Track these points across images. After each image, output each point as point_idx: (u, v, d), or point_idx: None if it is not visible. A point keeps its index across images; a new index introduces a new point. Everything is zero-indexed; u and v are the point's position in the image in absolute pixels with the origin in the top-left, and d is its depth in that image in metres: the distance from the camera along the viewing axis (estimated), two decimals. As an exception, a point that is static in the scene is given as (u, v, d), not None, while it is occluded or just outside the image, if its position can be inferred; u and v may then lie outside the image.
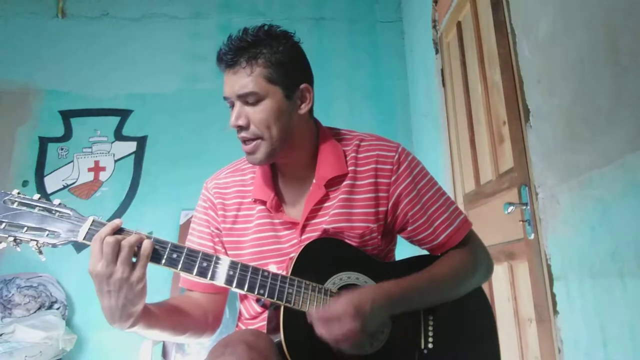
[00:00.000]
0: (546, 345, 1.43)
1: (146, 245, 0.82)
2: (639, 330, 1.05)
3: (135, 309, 0.83)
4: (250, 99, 0.94)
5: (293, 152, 1.01)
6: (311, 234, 0.99)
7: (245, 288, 0.87)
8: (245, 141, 0.97)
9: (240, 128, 0.96)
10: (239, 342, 0.81)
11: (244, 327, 1.05)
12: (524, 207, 1.55)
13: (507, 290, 1.76)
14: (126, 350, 2.64)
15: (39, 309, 2.64)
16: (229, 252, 1.06)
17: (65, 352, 2.56)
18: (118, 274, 0.79)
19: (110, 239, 0.80)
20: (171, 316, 0.95)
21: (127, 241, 0.81)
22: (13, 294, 2.64)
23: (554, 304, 1.39)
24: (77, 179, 3.06)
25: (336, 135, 1.09)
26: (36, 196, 0.86)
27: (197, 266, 0.86)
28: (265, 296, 0.88)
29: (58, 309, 2.68)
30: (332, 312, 0.83)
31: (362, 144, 1.06)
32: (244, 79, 0.94)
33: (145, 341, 2.34)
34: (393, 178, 1.02)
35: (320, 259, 0.94)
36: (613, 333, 1.14)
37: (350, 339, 0.83)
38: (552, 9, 1.37)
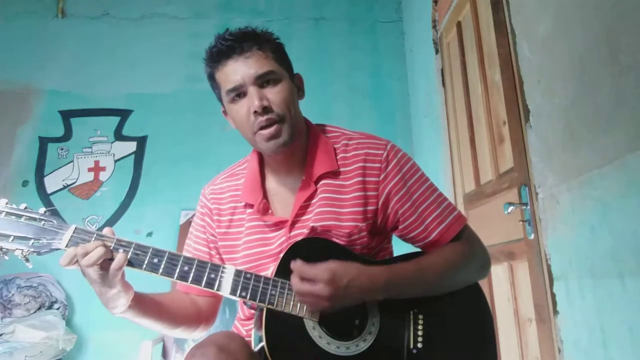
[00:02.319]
0: (546, 345, 1.43)
1: (115, 265, 0.85)
2: (639, 330, 1.05)
3: (116, 304, 0.89)
4: (270, 78, 0.95)
5: (297, 140, 1.01)
6: (299, 231, 0.99)
7: (229, 291, 0.89)
8: (269, 125, 0.94)
9: (265, 110, 0.94)
10: (209, 344, 0.84)
11: (240, 327, 1.06)
12: (524, 207, 1.55)
13: (507, 290, 1.76)
14: (126, 350, 2.65)
15: (39, 309, 2.64)
16: (224, 257, 1.07)
17: (65, 352, 2.56)
18: (95, 287, 0.87)
19: (72, 267, 0.85)
20: (164, 309, 0.98)
21: (85, 263, 0.84)
22: (13, 294, 2.64)
23: (554, 304, 1.39)
24: (77, 179, 3.06)
25: (325, 132, 1.09)
26: (22, 205, 0.89)
27: (178, 270, 0.88)
28: (248, 298, 0.88)
29: (58, 309, 2.68)
30: (309, 271, 0.86)
31: (351, 142, 1.05)
32: (262, 61, 0.95)
33: (145, 341, 2.35)
34: (382, 176, 1.01)
35: (306, 259, 0.92)
36: (613, 333, 1.14)
37: (314, 301, 0.86)
38: (552, 9, 1.37)
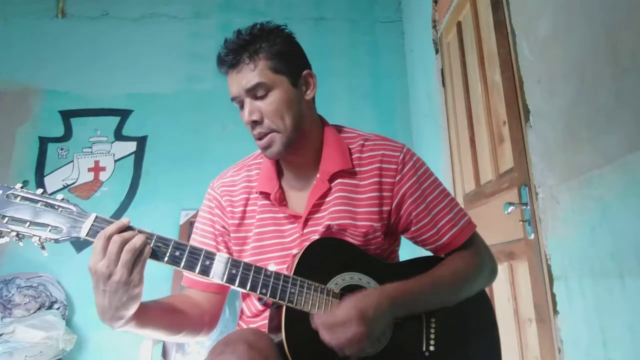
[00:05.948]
0: (546, 345, 1.43)
1: (147, 250, 0.82)
2: (639, 330, 1.06)
3: (127, 312, 0.82)
4: (259, 91, 0.95)
5: (305, 141, 1.02)
6: (313, 229, 1.00)
7: (248, 287, 0.87)
8: (260, 137, 0.98)
9: (255, 123, 0.97)
10: (239, 341, 0.81)
11: (245, 326, 1.05)
12: (524, 207, 1.55)
13: (507, 290, 1.76)
14: (126, 350, 2.64)
15: (39, 309, 2.64)
16: (233, 248, 1.07)
17: (65, 352, 2.56)
18: (117, 276, 0.78)
19: (117, 239, 0.79)
20: (166, 315, 0.95)
21: (132, 244, 0.80)
22: (13, 294, 2.64)
23: (554, 304, 1.39)
24: (77, 179, 3.06)
25: (340, 132, 1.10)
26: (39, 191, 0.86)
27: (199, 264, 0.86)
28: (268, 295, 0.87)
29: (58, 309, 2.68)
30: (336, 318, 0.83)
31: (367, 143, 1.07)
32: (250, 74, 0.95)
33: (145, 341, 2.35)
34: (397, 178, 1.02)
35: (324, 259, 0.94)
36: (613, 333, 1.14)
37: (354, 344, 0.83)
38: (552, 9, 1.37)
